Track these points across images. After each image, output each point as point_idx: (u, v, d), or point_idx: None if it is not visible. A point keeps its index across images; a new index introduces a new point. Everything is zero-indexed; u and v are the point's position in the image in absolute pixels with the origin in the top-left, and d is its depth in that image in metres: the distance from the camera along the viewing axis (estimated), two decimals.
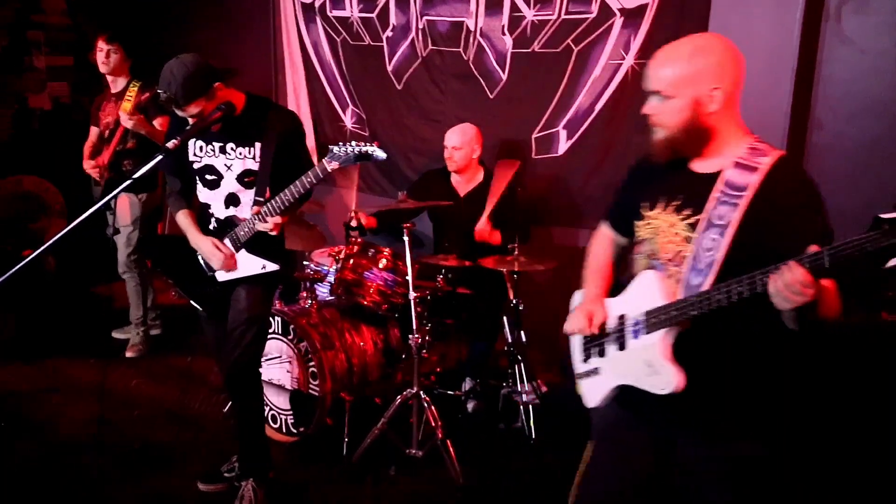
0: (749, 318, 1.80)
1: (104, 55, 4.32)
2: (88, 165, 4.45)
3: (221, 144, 2.87)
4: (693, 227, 1.85)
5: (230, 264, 2.92)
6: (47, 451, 3.51)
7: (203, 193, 2.97)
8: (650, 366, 1.89)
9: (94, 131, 4.52)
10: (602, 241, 2.26)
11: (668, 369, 1.85)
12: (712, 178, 1.85)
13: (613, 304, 2.07)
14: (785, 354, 1.96)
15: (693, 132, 1.84)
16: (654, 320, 1.89)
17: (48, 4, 6.10)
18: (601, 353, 2.09)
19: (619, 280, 2.16)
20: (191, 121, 2.74)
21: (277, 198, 2.78)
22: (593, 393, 2.13)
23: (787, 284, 1.58)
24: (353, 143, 2.68)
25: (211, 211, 2.97)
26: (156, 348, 4.71)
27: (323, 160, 2.71)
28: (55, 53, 6.17)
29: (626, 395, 2.03)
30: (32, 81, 6.04)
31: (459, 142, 4.03)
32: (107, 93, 4.46)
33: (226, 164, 2.88)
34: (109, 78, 4.40)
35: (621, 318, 2.02)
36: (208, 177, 2.92)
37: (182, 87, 2.63)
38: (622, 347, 2.00)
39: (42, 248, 2.20)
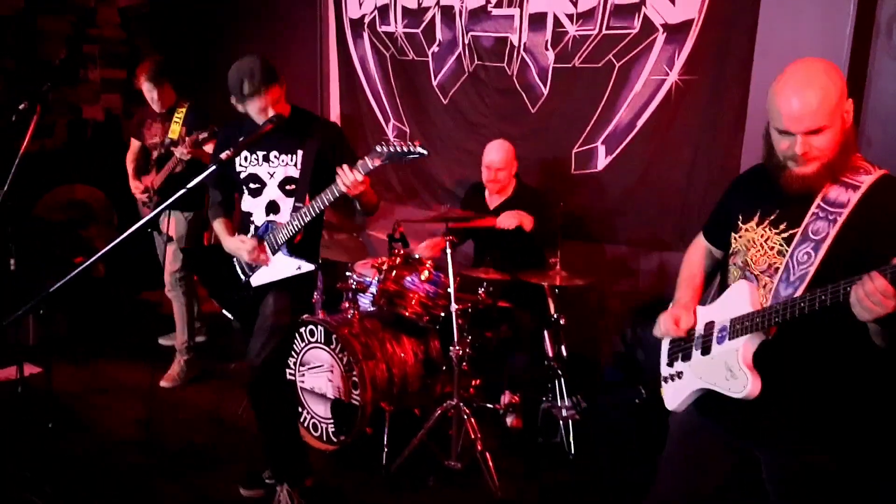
0: (835, 331, 1.82)
1: (155, 97, 4.29)
2: (136, 188, 4.48)
3: (265, 153, 2.97)
4: (788, 241, 1.89)
5: (259, 255, 2.96)
6: (96, 449, 3.62)
7: (247, 202, 3.05)
8: (729, 370, 1.94)
9: (135, 144, 4.56)
10: (697, 251, 2.32)
11: (744, 374, 1.90)
12: (811, 194, 1.88)
13: (705, 311, 2.13)
14: (868, 370, 1.96)
15: (845, 151, 1.84)
16: (738, 326, 1.94)
17: (103, 18, 6.29)
18: (686, 358, 2.14)
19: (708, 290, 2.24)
20: (257, 115, 2.87)
21: (319, 196, 2.81)
22: (674, 397, 2.17)
23: (868, 293, 1.60)
24: (395, 141, 2.71)
25: (252, 219, 3.04)
26: (201, 354, 4.78)
27: (365, 157, 2.74)
28: (109, 67, 6.36)
29: (705, 402, 2.09)
30: (87, 93, 6.23)
31: (502, 162, 4.01)
32: (151, 109, 4.42)
33: (269, 172, 2.97)
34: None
35: (709, 324, 2.08)
36: (252, 185, 3.01)
37: (261, 72, 2.80)
38: (706, 352, 2.05)
39: (94, 258, 2.26)
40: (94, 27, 6.24)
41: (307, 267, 2.97)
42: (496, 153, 4.03)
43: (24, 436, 3.56)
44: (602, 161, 4.25)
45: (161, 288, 4.68)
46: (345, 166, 2.73)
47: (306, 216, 2.86)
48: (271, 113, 2.86)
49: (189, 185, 2.43)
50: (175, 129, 4.27)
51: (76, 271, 2.26)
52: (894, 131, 3.28)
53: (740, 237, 2.04)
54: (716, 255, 2.27)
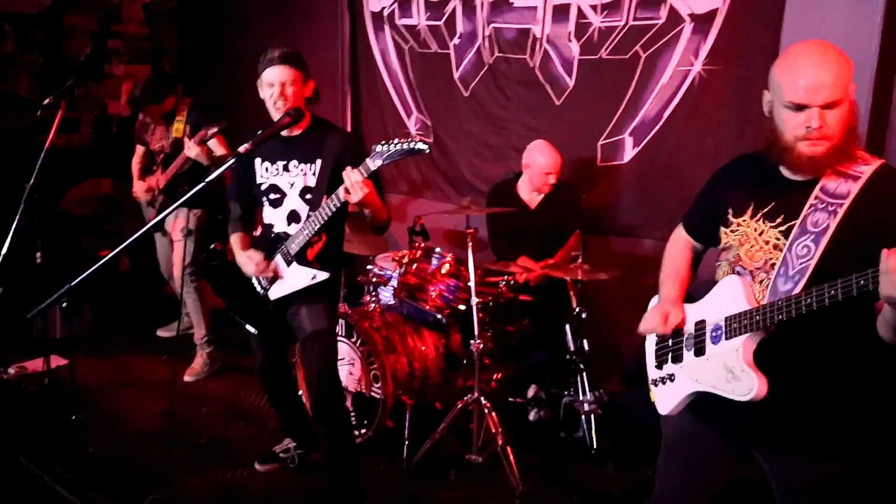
0: (838, 324, 1.74)
1: (140, 116, 4.36)
2: (140, 188, 4.48)
3: (285, 163, 2.95)
4: (785, 234, 1.81)
5: (264, 270, 2.94)
6: (120, 441, 3.66)
7: (268, 213, 3.02)
8: (730, 371, 1.85)
9: (140, 150, 4.57)
10: (679, 245, 2.23)
11: (749, 375, 1.81)
12: (808, 185, 1.81)
13: (692, 310, 2.04)
14: (879, 366, 1.88)
15: (851, 135, 1.77)
16: (735, 325, 1.85)
17: (127, 14, 6.34)
18: (676, 360, 2.05)
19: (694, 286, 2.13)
20: (268, 92, 2.87)
21: (325, 203, 2.78)
22: (667, 400, 2.08)
23: None
24: (396, 139, 2.62)
25: (274, 229, 3.01)
26: (222, 347, 4.78)
27: (366, 159, 2.65)
28: (133, 62, 6.41)
29: (700, 405, 2.00)
30: (112, 88, 6.28)
31: (555, 165, 3.95)
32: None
33: (289, 182, 2.94)
34: None
35: (700, 323, 1.99)
36: (272, 196, 2.98)
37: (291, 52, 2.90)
38: (700, 353, 1.96)
39: (111, 254, 2.26)
40: (118, 23, 6.29)
41: (321, 276, 2.90)
42: (549, 157, 3.95)
43: (51, 427, 3.61)
44: (629, 153, 4.20)
45: None
46: (348, 168, 2.66)
47: (315, 224, 2.82)
48: (289, 91, 2.85)
49: (208, 178, 2.41)
50: (179, 128, 4.23)
51: (95, 266, 2.27)
52: None
53: (733, 232, 1.95)
54: (697, 248, 2.19)
